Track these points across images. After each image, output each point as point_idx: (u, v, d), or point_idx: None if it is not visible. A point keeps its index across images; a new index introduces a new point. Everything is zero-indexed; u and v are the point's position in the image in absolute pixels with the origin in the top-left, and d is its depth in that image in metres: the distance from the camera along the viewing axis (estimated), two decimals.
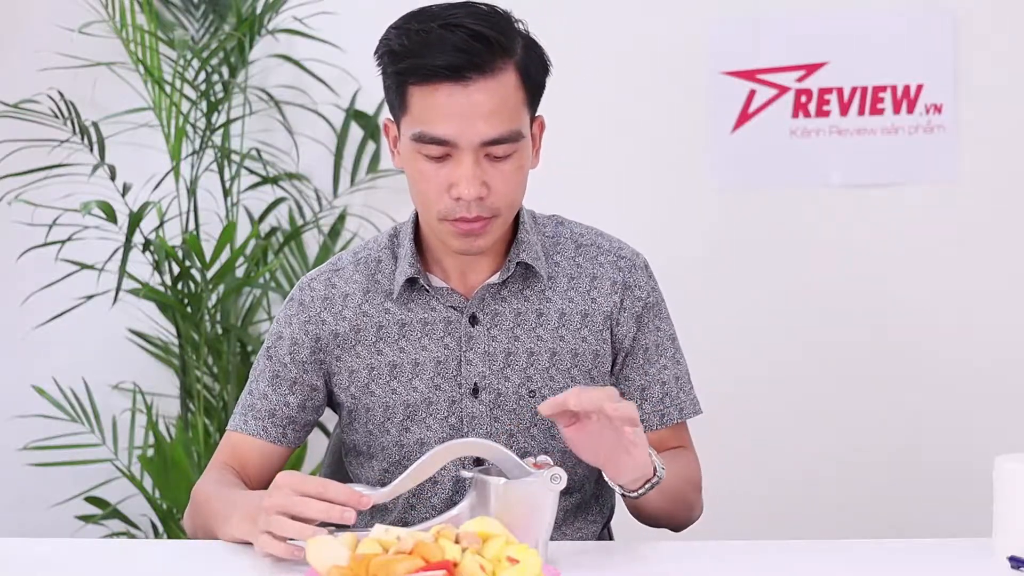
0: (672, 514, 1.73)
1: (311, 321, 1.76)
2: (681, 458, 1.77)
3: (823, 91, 3.09)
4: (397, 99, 1.65)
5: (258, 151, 3.07)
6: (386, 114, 1.74)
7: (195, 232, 2.97)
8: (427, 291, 1.74)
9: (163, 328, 3.14)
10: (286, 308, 1.79)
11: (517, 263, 1.73)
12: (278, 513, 1.45)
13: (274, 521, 1.45)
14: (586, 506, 1.82)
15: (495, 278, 1.73)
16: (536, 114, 1.71)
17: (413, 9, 1.66)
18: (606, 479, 1.58)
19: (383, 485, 1.76)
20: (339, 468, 1.97)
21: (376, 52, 1.67)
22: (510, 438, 1.73)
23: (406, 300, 1.75)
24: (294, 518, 1.45)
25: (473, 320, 1.73)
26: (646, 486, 1.57)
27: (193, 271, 2.92)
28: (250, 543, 1.51)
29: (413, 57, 1.60)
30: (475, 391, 1.73)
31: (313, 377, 1.77)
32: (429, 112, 1.61)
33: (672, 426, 1.80)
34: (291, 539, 1.44)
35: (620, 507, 1.94)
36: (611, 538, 1.92)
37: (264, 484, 1.70)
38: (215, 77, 3.00)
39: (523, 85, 1.64)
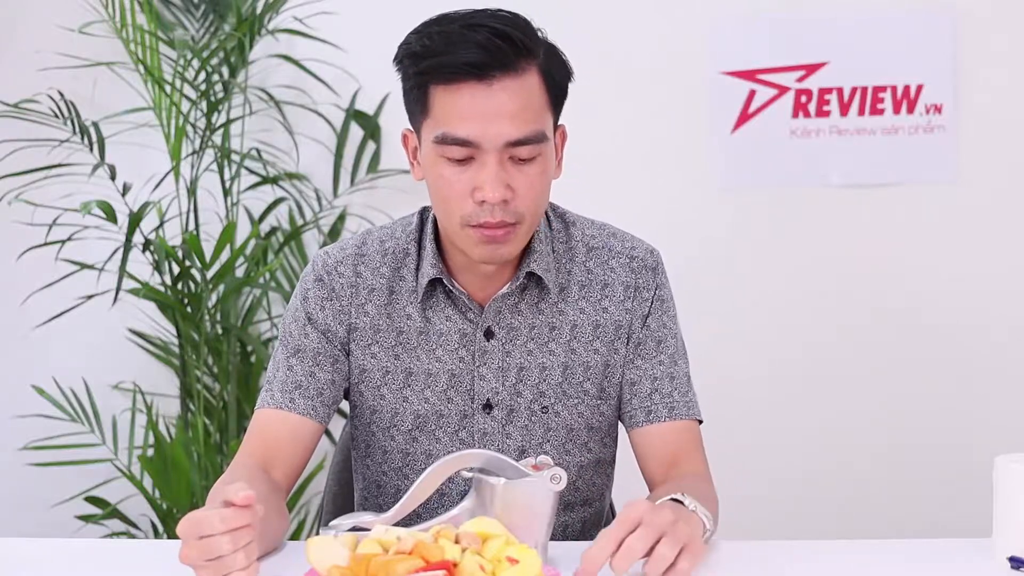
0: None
1: (344, 311, 1.71)
2: (696, 486, 1.63)
3: (823, 91, 3.09)
4: (418, 102, 1.60)
5: (258, 151, 3.07)
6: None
7: (195, 232, 2.97)
8: (447, 296, 1.70)
9: (163, 328, 3.14)
10: (315, 289, 1.73)
11: (527, 273, 1.69)
12: (195, 563, 1.36)
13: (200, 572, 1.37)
14: (602, 517, 1.82)
15: (506, 288, 1.69)
16: (559, 123, 1.66)
17: (432, 16, 1.62)
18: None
19: (379, 487, 1.77)
20: (345, 467, 1.97)
21: (396, 58, 1.62)
22: (522, 454, 1.71)
23: (425, 306, 1.71)
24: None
25: (488, 334, 1.71)
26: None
27: (193, 271, 2.92)
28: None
29: (435, 56, 1.56)
30: (487, 407, 1.71)
31: (342, 354, 1.73)
32: (452, 112, 1.56)
33: (663, 424, 1.72)
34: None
35: None
36: None
37: (297, 466, 1.68)
38: (215, 77, 3.00)
39: (546, 88, 1.60)
